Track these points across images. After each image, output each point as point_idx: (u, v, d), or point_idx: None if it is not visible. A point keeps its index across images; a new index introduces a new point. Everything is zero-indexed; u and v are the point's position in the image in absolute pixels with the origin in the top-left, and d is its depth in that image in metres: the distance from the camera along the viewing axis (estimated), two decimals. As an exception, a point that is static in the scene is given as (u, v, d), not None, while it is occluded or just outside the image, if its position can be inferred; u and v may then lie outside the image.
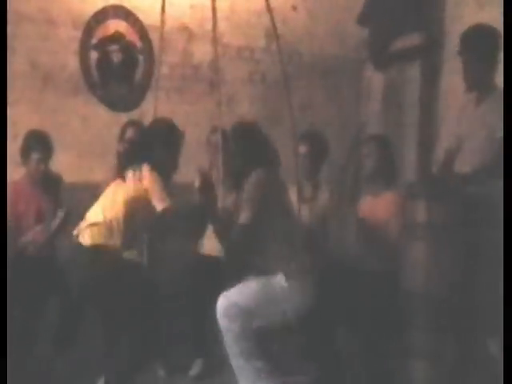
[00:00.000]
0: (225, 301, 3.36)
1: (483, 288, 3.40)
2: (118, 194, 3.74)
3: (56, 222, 4.25)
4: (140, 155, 3.80)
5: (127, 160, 3.87)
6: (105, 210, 3.71)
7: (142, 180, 3.69)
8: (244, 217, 3.39)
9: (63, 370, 4.04)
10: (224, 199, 4.12)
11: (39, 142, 4.29)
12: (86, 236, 3.69)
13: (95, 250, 3.65)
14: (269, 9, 4.01)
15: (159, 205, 3.61)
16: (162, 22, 4.51)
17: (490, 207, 3.34)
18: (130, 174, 3.76)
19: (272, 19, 4.02)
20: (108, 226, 3.67)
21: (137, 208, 3.67)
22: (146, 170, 3.72)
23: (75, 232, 3.77)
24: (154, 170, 3.71)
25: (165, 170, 3.81)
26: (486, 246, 3.37)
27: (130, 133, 4.48)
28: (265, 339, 3.37)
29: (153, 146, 3.79)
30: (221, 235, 3.85)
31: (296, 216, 3.74)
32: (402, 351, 3.56)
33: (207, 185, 3.84)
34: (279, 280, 3.39)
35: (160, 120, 4.03)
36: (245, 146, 3.68)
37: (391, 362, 3.66)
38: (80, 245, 3.71)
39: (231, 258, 3.85)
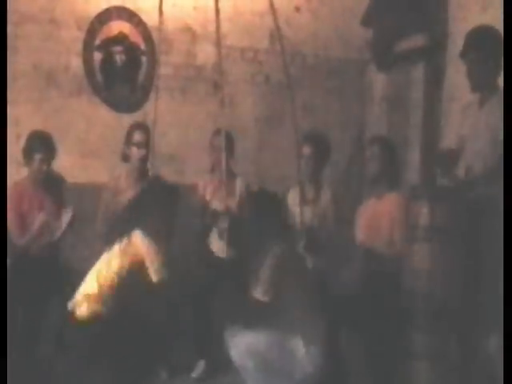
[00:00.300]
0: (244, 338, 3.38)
1: (484, 289, 3.39)
2: (112, 264, 3.59)
3: (63, 222, 4.24)
4: (133, 220, 3.63)
5: (119, 226, 3.69)
6: (99, 280, 3.56)
7: (132, 247, 3.53)
8: (262, 291, 3.39)
9: (63, 370, 4.04)
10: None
11: (42, 143, 4.28)
12: (82, 308, 3.56)
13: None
14: (272, 10, 3.99)
15: (155, 276, 3.48)
16: (161, 23, 4.50)
17: (491, 209, 3.33)
18: (123, 241, 3.60)
19: (276, 20, 3.99)
20: (103, 297, 3.52)
21: (132, 278, 3.53)
22: (137, 236, 3.56)
23: (70, 305, 3.62)
24: (147, 236, 3.53)
25: (161, 236, 3.62)
26: (487, 247, 3.36)
27: (137, 136, 4.44)
28: None
29: (147, 210, 3.63)
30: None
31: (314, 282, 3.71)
32: (404, 352, 3.55)
33: None
34: (296, 342, 3.42)
35: (155, 180, 3.84)
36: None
37: (393, 362, 3.65)
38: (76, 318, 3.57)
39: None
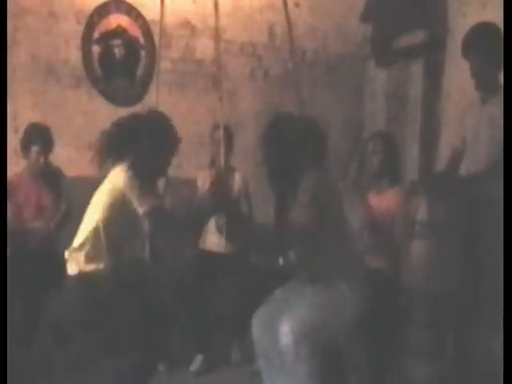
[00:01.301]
0: (291, 321, 3.11)
1: (483, 286, 3.40)
2: (98, 203, 3.31)
3: (57, 216, 4.25)
4: (118, 150, 3.34)
5: (105, 155, 3.39)
6: (87, 226, 3.30)
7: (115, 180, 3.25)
8: (302, 221, 3.11)
9: (63, 365, 4.04)
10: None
11: (39, 135, 4.29)
12: (72, 265, 3.29)
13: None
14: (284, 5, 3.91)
15: (140, 209, 3.16)
16: (162, 15, 4.50)
17: (492, 206, 3.34)
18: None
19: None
20: (93, 245, 3.25)
21: (117, 214, 3.24)
22: (120, 169, 3.26)
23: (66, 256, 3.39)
24: (131, 169, 3.22)
25: (147, 171, 3.30)
26: (486, 244, 3.37)
27: None
28: (330, 355, 3.19)
29: (134, 139, 3.31)
30: (230, 233, 3.68)
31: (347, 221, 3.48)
32: (402, 349, 3.56)
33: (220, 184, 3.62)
34: (342, 288, 3.20)
35: (152, 113, 3.54)
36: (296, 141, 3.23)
37: (390, 359, 3.66)
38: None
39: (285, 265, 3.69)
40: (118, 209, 3.23)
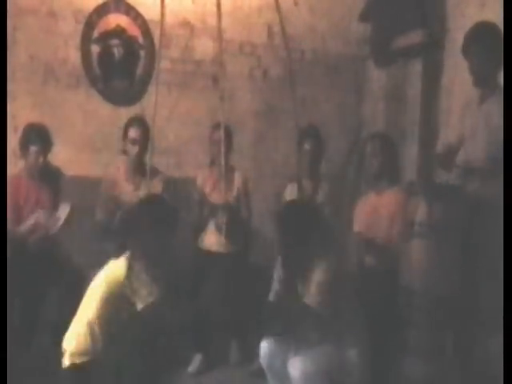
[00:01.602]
0: (303, 366, 3.31)
1: (482, 286, 3.41)
2: (96, 291, 3.18)
3: (61, 216, 4.24)
4: (122, 239, 3.28)
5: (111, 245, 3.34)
6: (82, 317, 3.17)
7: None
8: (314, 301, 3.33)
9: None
10: None
11: (38, 135, 4.28)
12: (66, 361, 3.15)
13: None
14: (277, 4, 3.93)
15: (139, 303, 3.07)
16: (162, 15, 4.50)
17: (490, 205, 3.34)
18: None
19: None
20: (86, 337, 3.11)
21: (115, 307, 3.13)
22: (123, 259, 3.16)
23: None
24: (135, 259, 3.14)
25: (151, 258, 3.19)
26: (486, 244, 3.38)
27: (132, 133, 4.47)
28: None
29: (136, 229, 3.23)
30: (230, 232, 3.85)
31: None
32: (400, 348, 3.57)
33: None
34: (351, 354, 3.38)
35: (149, 197, 3.57)
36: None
37: (389, 358, 3.66)
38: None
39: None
40: (115, 302, 3.12)
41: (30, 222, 4.19)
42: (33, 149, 4.26)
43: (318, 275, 3.31)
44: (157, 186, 4.49)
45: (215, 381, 4.33)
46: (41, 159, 4.29)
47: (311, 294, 3.32)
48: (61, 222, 4.23)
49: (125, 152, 4.51)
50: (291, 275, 3.49)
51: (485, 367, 3.37)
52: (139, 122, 4.54)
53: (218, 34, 4.36)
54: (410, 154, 5.08)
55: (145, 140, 4.47)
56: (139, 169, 4.53)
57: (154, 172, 4.53)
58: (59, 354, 3.18)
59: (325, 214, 3.92)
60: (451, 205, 3.49)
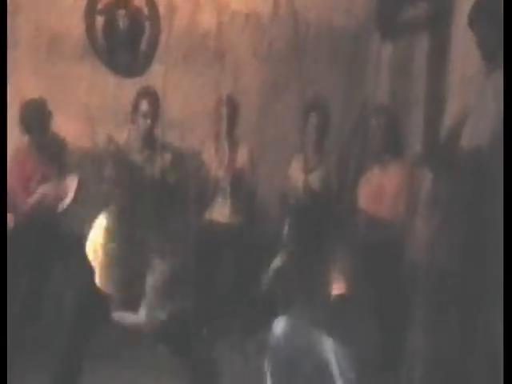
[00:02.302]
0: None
1: (486, 261, 3.41)
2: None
3: (70, 189, 4.24)
4: None
5: None
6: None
7: None
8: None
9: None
10: None
11: (39, 109, 4.28)
12: None
13: None
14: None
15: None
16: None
17: (494, 180, 3.34)
18: None
19: None
20: None
21: None
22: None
23: None
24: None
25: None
26: (490, 218, 3.38)
27: (143, 106, 4.40)
28: None
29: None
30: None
31: None
32: (405, 323, 3.59)
33: None
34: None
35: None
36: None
37: (392, 333, 3.69)
38: None
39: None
40: None
41: (38, 194, 4.20)
42: (36, 123, 4.26)
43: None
44: (165, 159, 4.46)
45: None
46: (44, 133, 4.29)
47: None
48: (72, 194, 4.23)
49: (134, 121, 4.43)
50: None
51: (486, 341, 3.39)
52: (151, 94, 4.47)
53: (221, 6, 4.32)
54: (416, 127, 5.07)
55: (156, 113, 4.40)
56: (148, 141, 4.47)
57: (163, 145, 4.50)
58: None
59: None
60: (456, 179, 3.48)
